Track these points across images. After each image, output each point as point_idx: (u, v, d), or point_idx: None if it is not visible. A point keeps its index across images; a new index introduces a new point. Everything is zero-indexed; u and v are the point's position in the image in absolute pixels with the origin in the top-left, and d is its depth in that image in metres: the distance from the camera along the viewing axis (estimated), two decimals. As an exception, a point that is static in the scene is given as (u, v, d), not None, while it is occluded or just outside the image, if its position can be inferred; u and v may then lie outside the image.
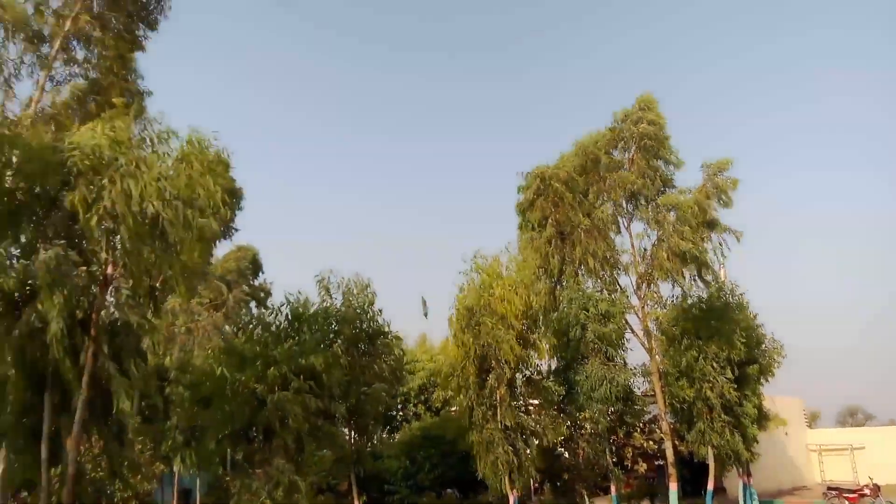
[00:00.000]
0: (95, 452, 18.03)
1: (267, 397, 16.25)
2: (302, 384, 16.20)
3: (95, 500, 19.71)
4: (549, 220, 23.72)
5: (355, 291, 18.98)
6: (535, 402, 21.47)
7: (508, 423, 19.80)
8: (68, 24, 17.58)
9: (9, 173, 13.33)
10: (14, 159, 13.27)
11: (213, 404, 19.80)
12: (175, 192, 13.35)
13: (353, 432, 20.35)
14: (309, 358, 16.43)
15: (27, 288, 13.23)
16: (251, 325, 18.66)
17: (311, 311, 18.11)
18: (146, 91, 19.42)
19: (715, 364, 22.32)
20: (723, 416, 22.25)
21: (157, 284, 14.83)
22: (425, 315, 22.34)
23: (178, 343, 23.97)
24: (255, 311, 19.15)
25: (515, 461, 19.56)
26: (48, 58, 17.27)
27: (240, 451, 18.15)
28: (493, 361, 19.84)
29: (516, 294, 19.76)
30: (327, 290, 18.69)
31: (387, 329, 19.45)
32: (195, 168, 13.68)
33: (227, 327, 27.03)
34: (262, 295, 41.16)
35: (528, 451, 20.15)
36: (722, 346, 22.36)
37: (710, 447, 22.82)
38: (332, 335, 18.43)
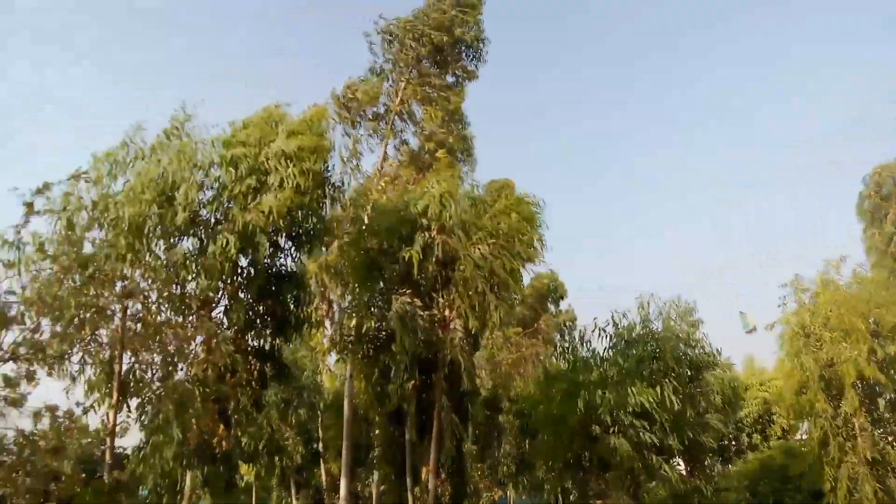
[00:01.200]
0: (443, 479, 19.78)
1: (594, 430, 16.18)
2: (632, 420, 15.84)
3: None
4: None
5: (675, 315, 18.01)
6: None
7: (872, 457, 17.02)
8: (399, 95, 20.27)
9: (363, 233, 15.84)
10: (366, 220, 15.74)
11: (540, 434, 20.27)
12: (496, 239, 14.68)
13: (687, 465, 19.27)
14: (635, 392, 15.99)
15: (383, 333, 15.22)
16: (571, 352, 18.84)
17: (633, 334, 17.65)
18: (472, 136, 21.72)
19: None
20: None
21: (484, 321, 15.97)
22: (749, 331, 20.26)
23: (502, 373, 25.38)
24: (576, 335, 19.09)
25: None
26: (387, 127, 20.22)
27: (568, 480, 18.22)
28: (843, 385, 17.40)
29: (864, 307, 17.20)
30: (647, 315, 18.00)
31: (715, 356, 18.10)
32: (513, 217, 14.94)
33: (543, 356, 27.86)
34: (569, 322, 41.67)
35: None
36: None
37: None
38: (654, 361, 17.70)
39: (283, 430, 15.31)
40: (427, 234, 14.82)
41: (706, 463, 18.37)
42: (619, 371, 16.93)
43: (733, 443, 37.78)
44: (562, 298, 41.66)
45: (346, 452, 18.12)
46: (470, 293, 14.42)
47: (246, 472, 22.84)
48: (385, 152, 20.19)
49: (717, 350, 17.92)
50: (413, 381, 14.36)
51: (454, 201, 14.67)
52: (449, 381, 15.08)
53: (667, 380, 16.72)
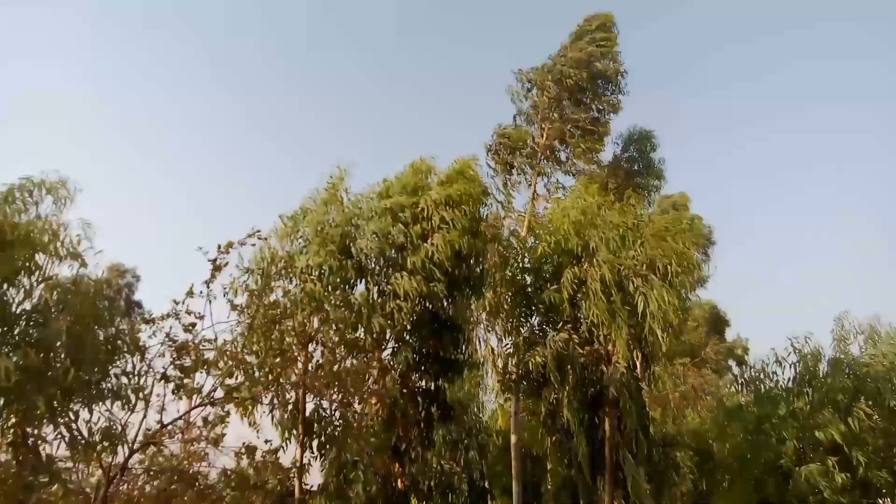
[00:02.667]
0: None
1: (785, 466, 14.87)
2: (824, 457, 14.40)
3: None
4: None
5: (878, 339, 16.08)
6: None
7: None
8: (545, 136, 20.90)
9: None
10: (519, 260, 15.97)
11: (720, 472, 18.96)
12: (646, 262, 14.22)
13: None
14: (826, 428, 14.55)
15: (545, 370, 15.13)
16: (752, 385, 17.52)
17: (823, 364, 16.06)
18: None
19: None
20: None
21: (646, 354, 15.41)
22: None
23: (671, 407, 24.13)
24: (756, 364, 17.70)
25: None
26: (536, 168, 20.75)
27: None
28: None
29: None
30: (843, 338, 16.29)
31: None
32: (670, 242, 14.43)
33: (714, 388, 26.18)
34: (739, 351, 38.80)
35: None
36: None
37: None
38: (849, 394, 15.91)
39: (453, 467, 15.60)
40: (576, 269, 14.70)
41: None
42: (809, 402, 15.49)
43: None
44: (727, 326, 39.02)
45: (515, 487, 18.05)
46: (629, 325, 14.04)
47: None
48: (535, 192, 20.70)
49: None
50: (581, 418, 14.09)
51: (599, 232, 14.52)
52: (618, 418, 14.63)
53: (868, 410, 15.00)
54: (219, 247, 11.37)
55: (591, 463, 14.51)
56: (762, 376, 16.60)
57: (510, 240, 18.32)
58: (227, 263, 11.23)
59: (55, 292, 8.31)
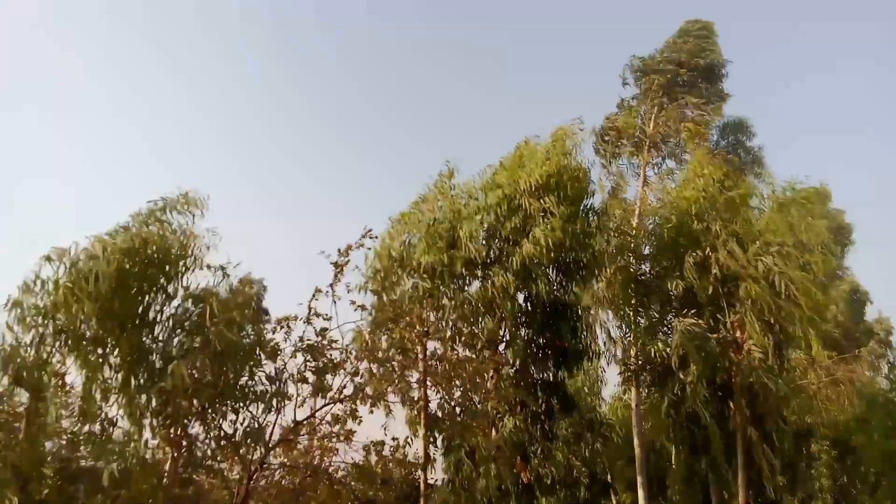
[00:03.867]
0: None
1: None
2: None
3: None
4: None
5: None
6: None
7: None
8: (653, 121, 20.66)
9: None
10: (632, 246, 15.53)
11: (862, 466, 17.74)
12: (777, 240, 13.36)
13: None
14: None
15: (668, 358, 14.61)
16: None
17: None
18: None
19: None
20: None
21: (782, 339, 14.49)
22: None
23: (810, 399, 22.58)
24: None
25: None
26: (645, 153, 20.36)
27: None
28: None
29: None
30: None
31: None
32: (794, 212, 13.54)
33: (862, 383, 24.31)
34: (882, 333, 35.84)
35: None
36: None
37: None
38: None
39: (574, 462, 15.32)
40: (697, 253, 14.07)
41: None
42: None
43: None
44: (866, 305, 36.07)
45: (640, 479, 17.61)
46: (760, 311, 13.26)
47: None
48: (644, 179, 20.27)
49: None
50: (709, 409, 13.50)
51: (713, 210, 13.84)
52: (750, 408, 13.89)
53: None
54: (339, 250, 11.77)
55: (721, 455, 13.87)
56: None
57: (622, 227, 17.84)
58: (347, 263, 11.60)
59: (201, 304, 8.87)
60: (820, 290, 14.54)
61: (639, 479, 17.64)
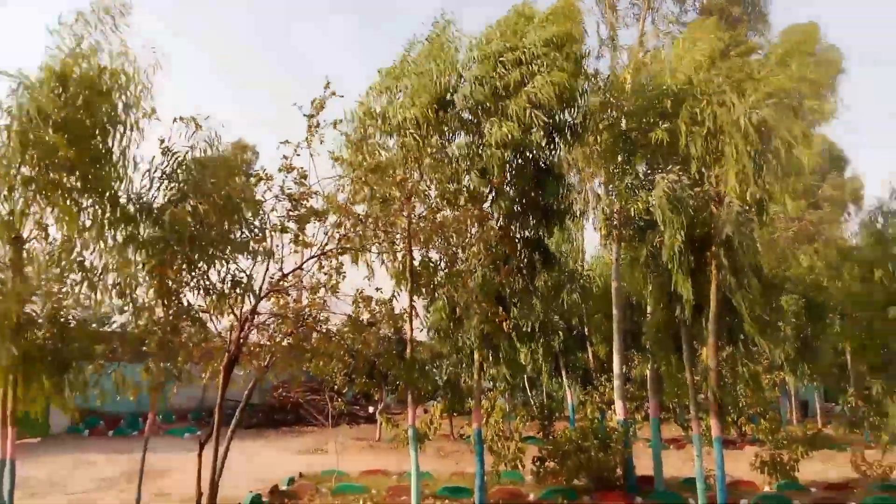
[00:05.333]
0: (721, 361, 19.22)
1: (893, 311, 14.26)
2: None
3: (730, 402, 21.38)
4: None
5: None
6: None
7: None
8: None
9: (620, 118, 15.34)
10: (624, 102, 15.18)
11: (825, 316, 18.62)
12: (776, 97, 13.05)
13: None
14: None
15: (648, 215, 14.77)
16: (867, 224, 16.56)
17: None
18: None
19: None
20: None
21: (763, 195, 14.63)
22: None
23: (780, 251, 23.38)
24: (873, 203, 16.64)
25: None
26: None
27: (867, 366, 16.55)
28: None
29: None
30: None
31: None
32: (797, 60, 13.17)
33: (827, 231, 25.02)
34: (855, 191, 36.62)
35: None
36: None
37: None
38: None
39: (551, 314, 16.05)
40: (690, 105, 13.78)
41: None
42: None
43: None
44: (846, 163, 36.59)
45: (616, 333, 18.49)
46: (743, 164, 13.23)
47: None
48: (643, 28, 19.41)
49: None
50: (684, 261, 13.85)
51: (712, 62, 13.40)
52: (728, 259, 14.29)
53: None
54: (313, 102, 11.44)
55: (695, 305, 14.40)
56: (878, 216, 15.55)
57: (614, 83, 17.35)
58: (318, 113, 11.32)
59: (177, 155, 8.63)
60: (810, 142, 14.48)
61: (615, 329, 18.49)
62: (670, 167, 14.15)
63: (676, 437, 29.07)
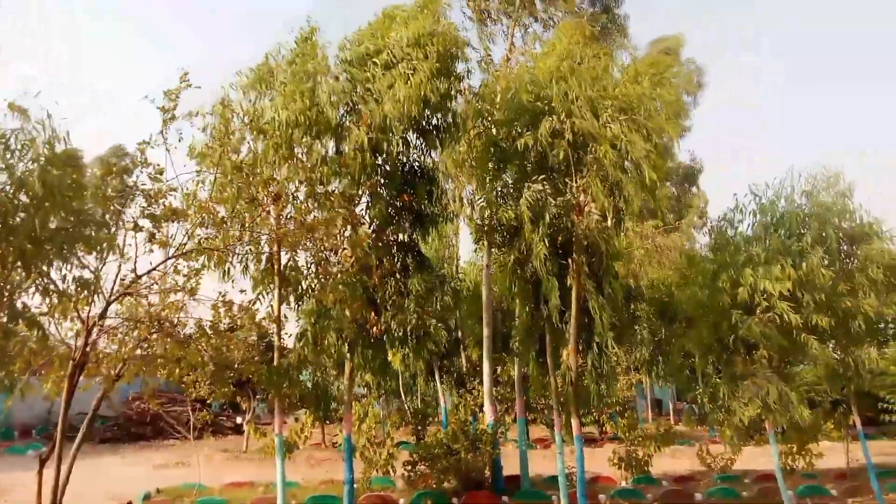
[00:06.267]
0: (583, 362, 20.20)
1: (735, 316, 15.59)
2: (776, 301, 15.07)
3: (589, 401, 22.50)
4: None
5: (822, 186, 16.48)
6: None
7: None
8: None
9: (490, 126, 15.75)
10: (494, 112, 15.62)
11: (676, 321, 19.98)
12: (626, 107, 13.95)
13: (840, 347, 18.19)
14: (779, 273, 15.07)
15: (516, 222, 15.29)
16: (713, 233, 17.98)
17: (779, 213, 16.45)
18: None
19: None
20: None
21: (622, 206, 15.55)
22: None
23: (638, 262, 25.04)
24: (719, 215, 18.19)
25: None
26: (513, 12, 19.96)
27: (710, 363, 17.82)
28: None
29: None
30: (791, 187, 16.56)
31: (874, 226, 16.43)
32: (646, 80, 14.09)
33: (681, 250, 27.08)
34: (702, 205, 39.97)
35: None
36: None
37: None
38: (801, 238, 16.49)
39: (427, 318, 16.17)
40: (553, 118, 14.42)
41: (855, 343, 17.12)
42: (766, 250, 16.05)
43: (891, 324, 35.44)
44: (699, 173, 39.82)
45: (486, 336, 18.96)
46: (602, 175, 14.05)
47: (392, 358, 24.54)
48: (512, 43, 20.11)
49: (876, 220, 16.31)
50: (550, 267, 14.45)
51: (572, 77, 14.13)
52: (588, 266, 15.07)
53: (816, 256, 15.70)
54: (166, 93, 10.87)
55: (559, 309, 15.04)
56: (723, 225, 16.96)
57: (484, 92, 17.85)
58: (174, 107, 10.77)
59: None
60: (662, 158, 15.54)
61: (485, 333, 18.96)
62: (535, 177, 14.76)
63: (544, 437, 30.27)
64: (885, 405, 30.12)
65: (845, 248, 16.78)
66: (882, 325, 35.43)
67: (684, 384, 22.56)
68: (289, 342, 14.63)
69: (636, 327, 24.17)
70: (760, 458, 21.06)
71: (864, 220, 16.55)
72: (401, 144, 14.45)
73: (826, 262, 15.92)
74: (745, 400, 15.64)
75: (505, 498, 17.25)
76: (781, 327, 15.13)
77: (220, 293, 11.61)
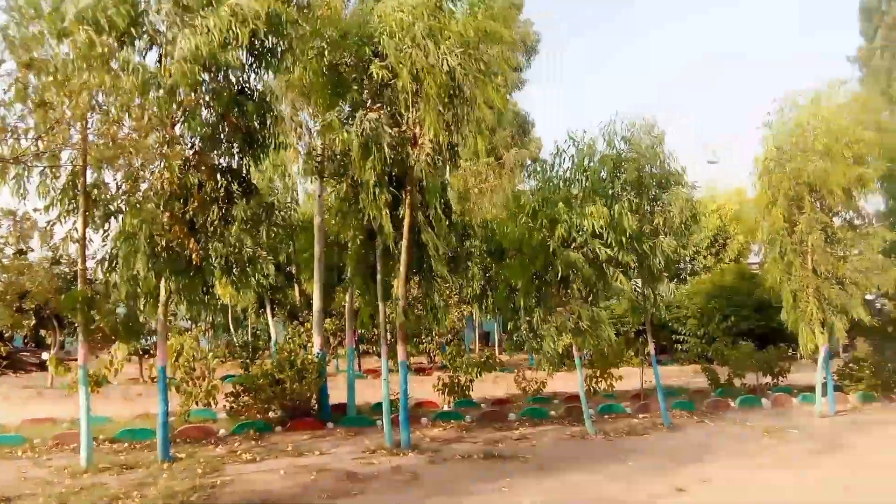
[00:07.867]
0: (416, 294, 20.68)
1: (556, 251, 16.67)
2: (587, 238, 16.32)
3: (419, 332, 23.26)
4: None
5: (641, 134, 17.90)
6: (857, 251, 19.18)
7: (822, 271, 18.70)
8: None
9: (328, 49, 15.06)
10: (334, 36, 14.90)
11: (504, 256, 21.00)
12: (466, 45, 13.97)
13: (641, 282, 20.21)
14: (592, 212, 16.24)
15: (351, 151, 14.98)
16: (536, 173, 18.94)
17: (596, 157, 17.64)
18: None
19: None
20: None
21: (457, 142, 15.78)
22: (711, 162, 20.40)
23: (471, 200, 25.83)
24: (545, 156, 19.11)
25: (826, 311, 18.67)
26: None
27: (532, 296, 18.97)
28: (807, 203, 18.57)
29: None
30: (613, 137, 17.82)
31: (678, 174, 18.19)
32: (481, 19, 14.16)
33: (510, 188, 28.26)
34: (536, 151, 41.93)
35: (842, 303, 18.68)
36: None
37: None
38: (616, 180, 17.90)
39: (254, 248, 15.52)
40: (395, 48, 14.10)
41: (656, 279, 19.21)
42: (582, 190, 17.24)
43: (689, 264, 40.15)
44: (532, 127, 41.63)
45: (317, 267, 18.71)
46: (438, 108, 14.05)
47: (222, 294, 23.52)
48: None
49: (682, 168, 18.06)
50: (383, 198, 14.40)
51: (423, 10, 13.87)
52: (421, 201, 15.22)
53: (626, 199, 17.12)
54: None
55: (392, 242, 15.16)
56: (546, 167, 17.94)
57: (322, 14, 16.94)
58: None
59: None
60: (497, 93, 15.83)
61: (315, 263, 18.70)
62: (374, 106, 14.48)
63: (376, 367, 30.91)
64: (677, 336, 34.38)
65: (655, 191, 18.51)
66: (680, 264, 40.01)
67: (509, 316, 24.01)
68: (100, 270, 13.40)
69: (468, 263, 25.15)
70: (570, 382, 23.11)
71: (672, 168, 18.31)
72: (233, 59, 13.35)
73: (636, 203, 17.56)
74: (557, 325, 17.03)
75: (330, 424, 17.48)
76: (594, 262, 16.53)
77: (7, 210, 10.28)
